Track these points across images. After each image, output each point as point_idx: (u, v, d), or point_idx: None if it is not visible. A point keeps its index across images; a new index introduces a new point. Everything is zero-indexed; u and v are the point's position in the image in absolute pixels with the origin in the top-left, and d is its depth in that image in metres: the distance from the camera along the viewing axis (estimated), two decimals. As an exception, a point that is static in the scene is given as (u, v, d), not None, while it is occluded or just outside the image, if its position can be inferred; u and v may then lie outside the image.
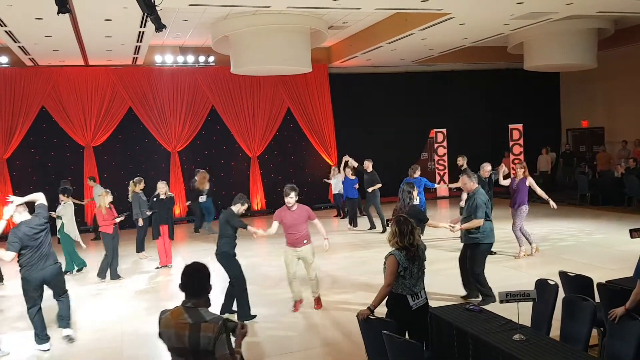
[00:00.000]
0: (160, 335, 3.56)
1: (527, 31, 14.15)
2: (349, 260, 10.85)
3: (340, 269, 10.10)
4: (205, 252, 11.70)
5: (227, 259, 7.44)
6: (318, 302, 7.85)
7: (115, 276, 10.15)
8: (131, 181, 11.57)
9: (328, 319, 7.41)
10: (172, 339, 3.45)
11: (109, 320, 7.87)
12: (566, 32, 14.56)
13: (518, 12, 11.83)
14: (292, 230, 7.45)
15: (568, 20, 13.23)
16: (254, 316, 7.43)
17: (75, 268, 10.80)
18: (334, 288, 8.86)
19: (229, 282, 7.54)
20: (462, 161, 12.29)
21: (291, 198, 7.37)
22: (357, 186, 14.37)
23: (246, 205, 7.61)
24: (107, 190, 10.38)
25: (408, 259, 4.94)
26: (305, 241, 7.50)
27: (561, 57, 15.16)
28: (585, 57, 15.24)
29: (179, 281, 3.53)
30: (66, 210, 10.47)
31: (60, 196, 10.72)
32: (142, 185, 11.49)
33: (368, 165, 14.12)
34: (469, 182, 7.67)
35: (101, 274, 10.10)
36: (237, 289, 7.42)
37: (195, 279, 3.52)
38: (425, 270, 5.11)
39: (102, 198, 10.04)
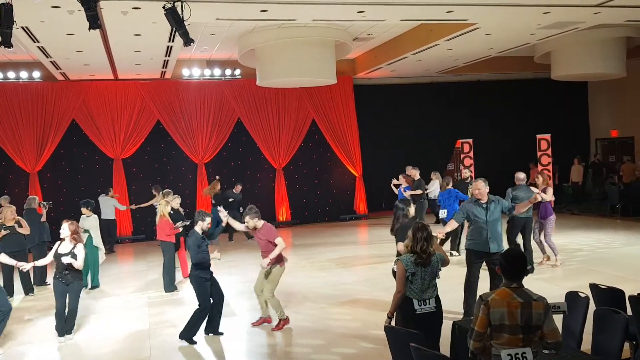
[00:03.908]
0: (490, 314, 3.85)
1: (554, 40, 14.00)
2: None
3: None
4: (229, 264, 11.77)
5: (201, 283, 7.22)
6: (277, 324, 7.56)
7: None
8: (160, 192, 11.56)
9: (355, 330, 7.40)
10: (503, 317, 3.82)
11: (134, 330, 7.93)
12: (594, 41, 14.38)
13: (545, 22, 11.73)
14: (260, 249, 7.49)
15: (596, 29, 13.08)
16: (195, 342, 7.17)
17: (90, 285, 10.36)
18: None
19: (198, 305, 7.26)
20: (466, 174, 12.26)
21: (246, 223, 7.46)
22: None
23: (208, 219, 7.44)
24: (167, 200, 10.29)
25: (416, 265, 5.05)
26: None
27: (589, 67, 14.98)
28: (613, 66, 15.03)
29: (501, 265, 3.98)
30: (91, 222, 10.25)
31: (83, 209, 10.42)
32: (170, 198, 11.12)
33: (415, 174, 14.04)
34: (483, 188, 7.15)
35: (170, 287, 9.91)
36: (199, 313, 7.21)
37: (519, 264, 3.96)
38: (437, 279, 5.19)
39: (163, 207, 9.87)
